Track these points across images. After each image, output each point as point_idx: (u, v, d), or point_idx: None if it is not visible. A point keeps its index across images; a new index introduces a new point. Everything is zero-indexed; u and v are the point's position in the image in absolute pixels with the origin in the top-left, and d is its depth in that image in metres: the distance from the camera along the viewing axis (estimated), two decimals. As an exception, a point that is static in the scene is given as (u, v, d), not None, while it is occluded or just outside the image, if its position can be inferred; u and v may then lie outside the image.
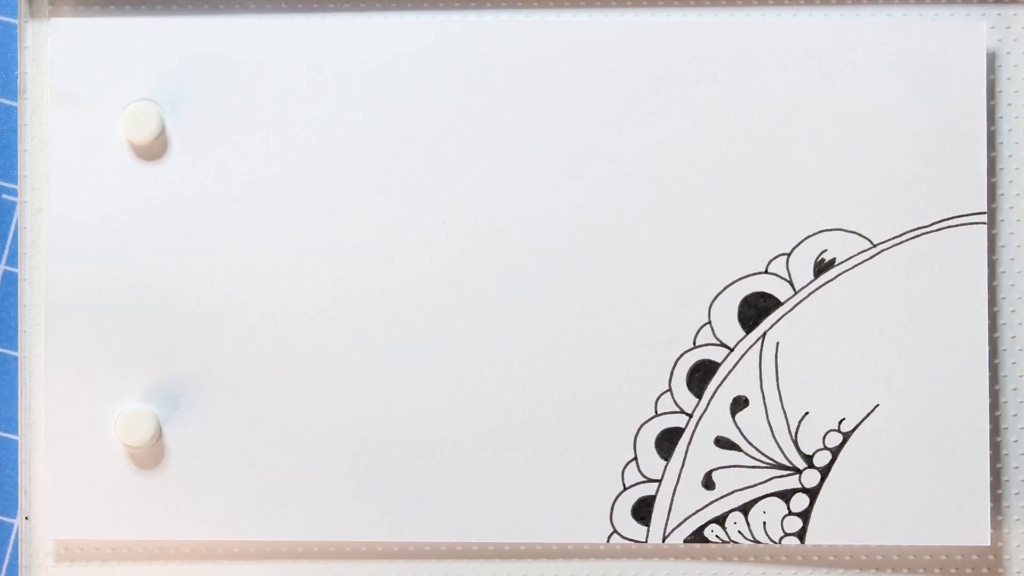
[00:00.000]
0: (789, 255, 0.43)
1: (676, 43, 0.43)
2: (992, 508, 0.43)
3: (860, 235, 0.43)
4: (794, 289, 0.43)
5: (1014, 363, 0.44)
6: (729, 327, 0.43)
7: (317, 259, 0.43)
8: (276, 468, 0.43)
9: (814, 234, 0.43)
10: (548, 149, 0.43)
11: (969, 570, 0.44)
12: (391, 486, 0.43)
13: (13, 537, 0.45)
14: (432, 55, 0.43)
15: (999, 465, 0.44)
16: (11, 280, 0.45)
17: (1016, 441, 0.44)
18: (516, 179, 0.43)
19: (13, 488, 0.45)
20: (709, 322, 0.43)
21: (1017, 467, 0.44)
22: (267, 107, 0.43)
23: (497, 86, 0.43)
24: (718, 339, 0.43)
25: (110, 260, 0.43)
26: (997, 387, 0.44)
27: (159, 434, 0.43)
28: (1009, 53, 0.44)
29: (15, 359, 0.45)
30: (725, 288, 0.43)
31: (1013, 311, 0.44)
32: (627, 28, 0.43)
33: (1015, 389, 0.44)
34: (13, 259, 0.45)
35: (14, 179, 0.45)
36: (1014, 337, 0.43)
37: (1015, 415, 0.44)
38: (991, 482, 0.43)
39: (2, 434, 0.45)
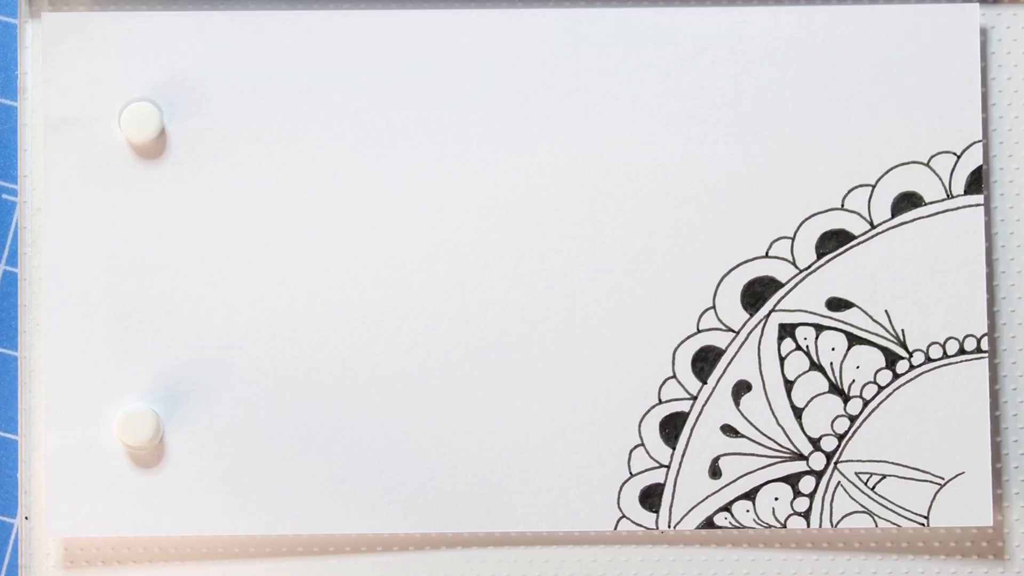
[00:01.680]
0: (793, 238, 0.43)
1: (677, 33, 0.43)
2: (995, 489, 0.43)
3: (860, 216, 0.43)
4: (797, 269, 0.43)
5: (1013, 337, 0.43)
6: (733, 310, 0.43)
7: (317, 258, 0.43)
8: (277, 465, 0.43)
9: (814, 216, 0.43)
10: (550, 139, 0.43)
11: (970, 545, 0.43)
12: (395, 478, 0.43)
13: (13, 537, 0.45)
14: (435, 52, 0.43)
15: (998, 438, 0.43)
16: (11, 280, 0.45)
17: (1015, 415, 0.43)
18: (518, 168, 0.43)
19: (13, 488, 0.45)
20: (713, 306, 0.43)
21: (1017, 441, 0.43)
22: (266, 105, 0.43)
23: (499, 80, 0.43)
24: (722, 323, 0.43)
25: (110, 260, 0.43)
26: (996, 361, 0.43)
27: (159, 434, 0.43)
28: (1000, 40, 0.44)
29: (15, 359, 0.45)
30: (728, 272, 0.43)
31: (1014, 286, 0.43)
32: (627, 21, 0.43)
33: (1014, 362, 0.43)
34: (13, 259, 0.45)
35: (14, 179, 0.45)
36: (1013, 310, 0.43)
37: (1014, 388, 0.43)
38: (993, 463, 0.43)
39: (2, 434, 0.45)
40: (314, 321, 0.43)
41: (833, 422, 0.43)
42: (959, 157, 0.43)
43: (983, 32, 0.44)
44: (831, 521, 0.43)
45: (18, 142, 0.44)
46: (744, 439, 0.43)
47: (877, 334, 0.43)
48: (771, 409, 0.43)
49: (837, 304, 0.43)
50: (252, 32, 0.43)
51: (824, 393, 0.43)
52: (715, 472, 0.43)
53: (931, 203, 0.43)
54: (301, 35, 0.43)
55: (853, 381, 0.43)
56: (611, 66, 0.43)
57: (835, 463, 0.43)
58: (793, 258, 0.43)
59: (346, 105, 0.43)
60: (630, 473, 0.43)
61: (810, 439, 0.43)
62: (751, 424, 0.43)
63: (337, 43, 0.43)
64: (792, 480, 0.43)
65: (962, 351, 0.43)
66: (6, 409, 0.45)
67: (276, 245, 0.43)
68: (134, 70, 0.43)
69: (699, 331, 0.43)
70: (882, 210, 0.43)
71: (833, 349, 0.43)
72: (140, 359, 0.43)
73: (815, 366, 0.43)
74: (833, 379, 0.43)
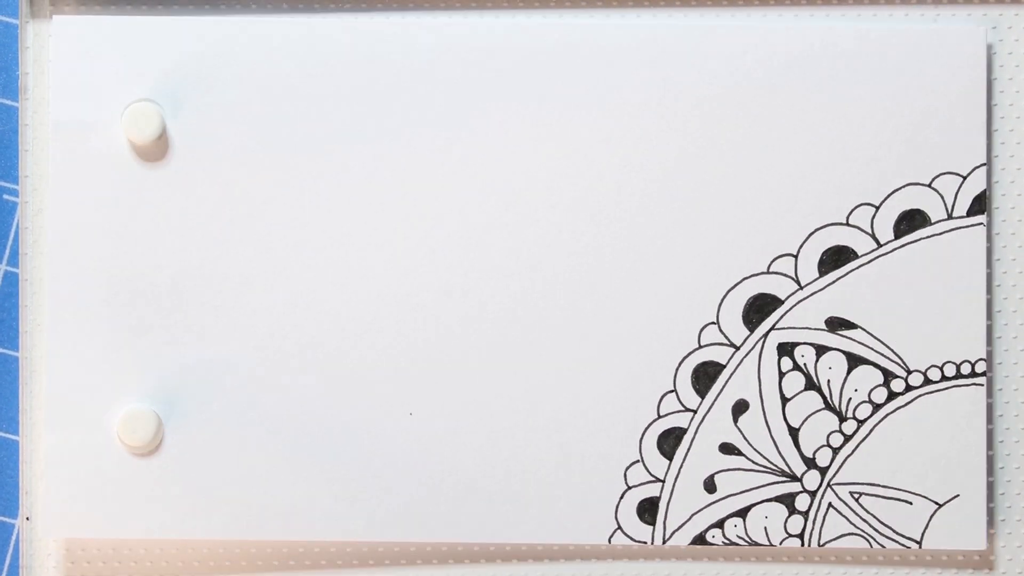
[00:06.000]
0: (796, 255, 0.43)
1: (681, 44, 0.43)
2: (989, 511, 0.43)
3: (865, 233, 0.43)
4: (798, 286, 0.43)
5: (1006, 350, 0.44)
6: (734, 326, 0.43)
7: (318, 259, 0.43)
8: (277, 468, 0.43)
9: (817, 233, 0.43)
10: (552, 149, 0.43)
11: (962, 559, 0.44)
12: (393, 486, 0.43)
13: (14, 538, 0.45)
14: (435, 56, 0.43)
15: (991, 452, 0.44)
16: (12, 280, 0.45)
17: (1008, 428, 0.44)
18: (520, 180, 0.43)
19: (14, 488, 0.45)
20: (715, 322, 0.43)
21: (1009, 455, 0.44)
22: (268, 107, 0.43)
23: (501, 88, 0.43)
24: (726, 338, 0.43)
25: (110, 261, 0.43)
26: (991, 375, 0.44)
27: (159, 434, 0.43)
28: (1011, 53, 0.44)
29: (15, 359, 0.45)
30: (730, 289, 0.43)
31: (1015, 311, 0.44)
32: (630, 30, 0.43)
33: (1016, 390, 0.44)
34: (14, 260, 0.45)
35: (15, 179, 0.45)
36: (1015, 338, 0.44)
37: (1016, 415, 0.44)
38: (988, 484, 0.43)
39: (2, 434, 0.45)
40: (315, 323, 0.43)
41: (828, 439, 0.43)
42: (964, 179, 0.43)
43: (988, 50, 0.43)
44: (818, 541, 0.43)
45: (19, 143, 0.44)
46: (741, 456, 0.43)
47: (877, 352, 0.43)
48: (768, 428, 0.43)
49: (837, 323, 0.43)
50: (254, 35, 0.43)
51: (820, 411, 0.43)
52: (710, 487, 0.43)
53: (934, 223, 0.43)
54: (302, 38, 0.43)
55: (850, 400, 0.43)
56: (613, 78, 0.43)
57: (829, 483, 0.43)
58: (795, 275, 0.43)
59: (348, 107, 0.43)
60: (627, 486, 0.43)
61: (805, 458, 0.43)
62: (748, 442, 0.43)
63: (339, 46, 0.43)
64: (787, 500, 0.43)
65: (959, 375, 0.43)
66: (7, 409, 0.45)
67: (277, 247, 0.43)
68: (136, 71, 0.43)
69: (700, 346, 0.43)
70: (885, 230, 0.43)
71: (831, 368, 0.43)
72: (141, 359, 0.43)
73: (812, 385, 0.43)
74: (830, 399, 0.43)
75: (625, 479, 0.43)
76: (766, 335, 0.43)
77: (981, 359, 0.43)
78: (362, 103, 0.43)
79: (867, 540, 0.43)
